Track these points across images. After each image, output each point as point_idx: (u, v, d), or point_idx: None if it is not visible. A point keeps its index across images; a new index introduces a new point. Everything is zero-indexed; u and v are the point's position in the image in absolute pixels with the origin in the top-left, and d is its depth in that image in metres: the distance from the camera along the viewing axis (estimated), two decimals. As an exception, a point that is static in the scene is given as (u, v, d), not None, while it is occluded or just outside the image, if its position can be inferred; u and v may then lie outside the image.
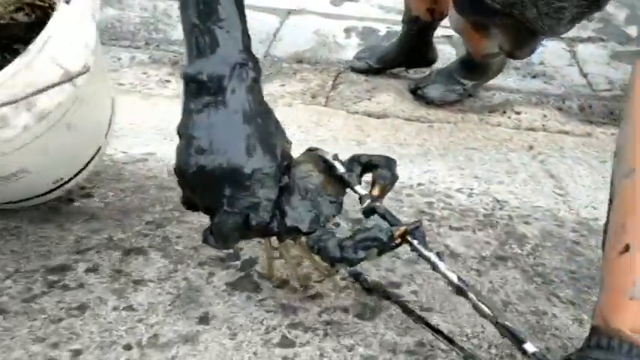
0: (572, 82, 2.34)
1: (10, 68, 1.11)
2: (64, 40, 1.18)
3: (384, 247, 1.08)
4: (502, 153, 1.83)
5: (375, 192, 1.18)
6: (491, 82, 2.19)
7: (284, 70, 2.26)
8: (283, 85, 2.17)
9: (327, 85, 2.18)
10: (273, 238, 1.17)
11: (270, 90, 2.13)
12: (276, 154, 1.09)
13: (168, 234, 1.39)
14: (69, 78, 1.19)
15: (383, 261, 1.34)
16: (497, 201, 1.60)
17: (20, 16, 1.42)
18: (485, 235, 1.47)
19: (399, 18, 2.20)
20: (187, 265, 1.30)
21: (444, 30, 2.54)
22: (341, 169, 1.19)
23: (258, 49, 2.39)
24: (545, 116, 2.09)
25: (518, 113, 2.11)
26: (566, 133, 2.00)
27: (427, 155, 1.80)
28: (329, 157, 1.20)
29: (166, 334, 1.14)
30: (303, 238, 1.11)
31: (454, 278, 1.05)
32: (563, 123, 2.06)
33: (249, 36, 1.12)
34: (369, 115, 2.01)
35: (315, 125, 1.93)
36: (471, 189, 1.64)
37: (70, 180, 1.39)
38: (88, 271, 1.27)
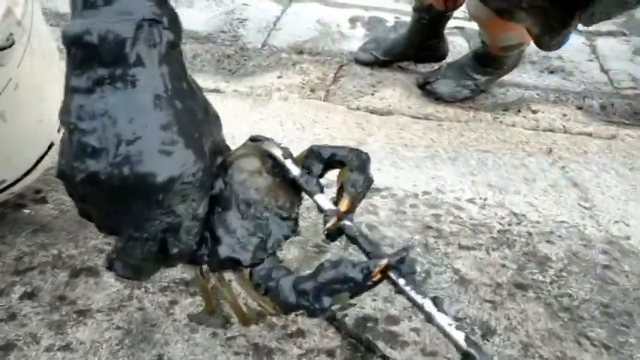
0: (592, 78, 2.03)
1: None
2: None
3: (358, 288, 0.72)
4: (519, 157, 1.53)
5: (344, 206, 0.80)
6: (504, 77, 1.90)
7: (282, 61, 1.97)
8: (280, 77, 1.88)
9: (327, 79, 1.89)
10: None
11: (266, 82, 1.84)
12: (203, 152, 0.72)
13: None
14: None
15: (379, 288, 1.05)
16: (515, 214, 1.31)
17: None
18: (501, 257, 1.18)
19: (409, 8, 1.90)
20: (146, 290, 1.03)
21: (456, 21, 2.24)
22: (295, 170, 0.81)
23: (256, 39, 2.11)
24: (564, 116, 1.79)
25: (535, 112, 1.80)
26: (589, 135, 1.69)
27: (435, 159, 1.50)
28: (278, 154, 0.82)
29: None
30: (246, 270, 0.76)
31: (460, 339, 0.70)
32: (585, 124, 1.76)
33: None
34: (372, 112, 1.72)
35: (312, 122, 1.64)
36: (484, 199, 1.35)
37: (15, 182, 1.11)
38: (24, 297, 1.00)
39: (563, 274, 1.15)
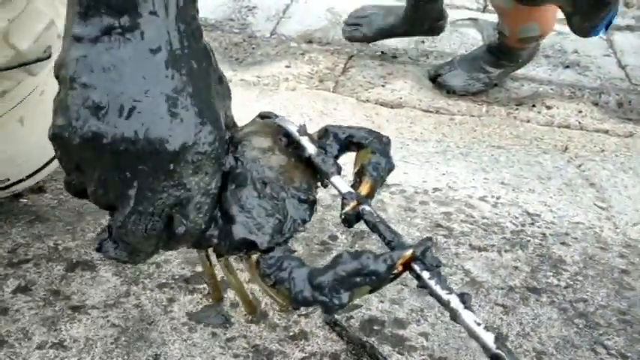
0: (609, 74, 1.97)
1: None
2: (20, 17, 0.86)
3: (380, 282, 0.64)
4: (533, 154, 1.48)
5: (365, 189, 0.72)
6: (518, 71, 1.84)
7: (291, 50, 1.92)
8: (289, 66, 1.83)
9: (336, 69, 1.84)
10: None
11: (274, 71, 1.80)
12: (219, 120, 0.64)
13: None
14: (21, 62, 0.87)
15: (387, 289, 1.01)
16: (529, 214, 1.26)
17: None
18: (514, 259, 1.13)
19: (421, -4, 1.84)
20: (143, 286, 0.98)
21: (469, 12, 2.19)
22: (311, 148, 0.72)
23: (265, 27, 2.06)
24: (580, 112, 1.74)
25: (549, 108, 1.75)
26: (606, 132, 1.64)
27: (446, 154, 1.45)
28: (293, 129, 0.73)
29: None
30: (255, 256, 0.66)
31: (489, 340, 0.61)
32: (600, 120, 1.70)
33: None
34: (382, 105, 1.67)
35: (320, 114, 1.60)
36: (497, 198, 1.30)
37: (18, 182, 1.07)
38: (17, 290, 0.96)
39: (579, 278, 1.10)
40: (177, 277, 1.00)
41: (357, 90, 1.74)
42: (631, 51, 2.09)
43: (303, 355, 0.89)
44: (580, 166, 1.46)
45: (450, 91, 1.77)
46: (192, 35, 0.62)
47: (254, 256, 0.66)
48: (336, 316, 0.95)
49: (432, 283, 0.64)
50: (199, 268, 1.01)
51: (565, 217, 1.26)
